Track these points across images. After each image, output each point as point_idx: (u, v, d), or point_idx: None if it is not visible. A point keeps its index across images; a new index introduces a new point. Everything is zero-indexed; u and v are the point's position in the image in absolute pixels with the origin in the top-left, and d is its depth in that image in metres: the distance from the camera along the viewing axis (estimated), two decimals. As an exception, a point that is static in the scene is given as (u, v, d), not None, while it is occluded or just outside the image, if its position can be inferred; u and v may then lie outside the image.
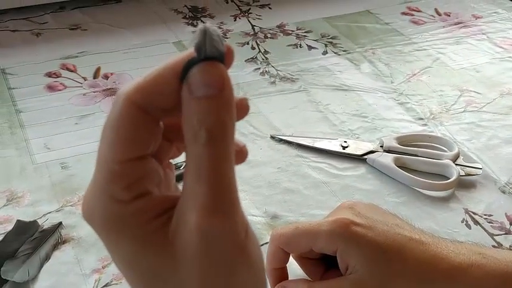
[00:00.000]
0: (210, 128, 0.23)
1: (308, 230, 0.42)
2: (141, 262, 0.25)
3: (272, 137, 0.63)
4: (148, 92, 0.24)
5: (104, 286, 0.46)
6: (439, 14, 0.90)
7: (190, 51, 0.24)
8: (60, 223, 0.51)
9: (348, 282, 0.41)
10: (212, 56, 0.23)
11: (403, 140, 0.62)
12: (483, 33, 0.85)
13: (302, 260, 0.45)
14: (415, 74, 0.76)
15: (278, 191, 0.57)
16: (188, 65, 0.23)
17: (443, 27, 0.86)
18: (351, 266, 0.41)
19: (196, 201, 0.23)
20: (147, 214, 0.24)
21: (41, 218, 0.51)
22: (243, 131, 0.64)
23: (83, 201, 0.25)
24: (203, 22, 0.84)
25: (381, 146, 0.61)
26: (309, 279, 0.45)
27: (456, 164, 0.59)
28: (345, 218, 0.42)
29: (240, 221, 0.24)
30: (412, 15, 0.89)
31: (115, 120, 0.24)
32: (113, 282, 0.47)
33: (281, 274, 0.45)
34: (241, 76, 0.73)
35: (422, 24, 0.87)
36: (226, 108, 0.24)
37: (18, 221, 0.50)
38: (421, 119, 0.68)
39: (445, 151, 0.61)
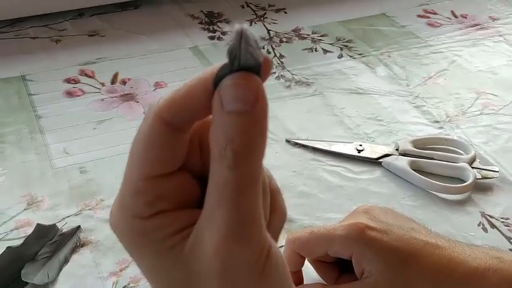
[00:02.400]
0: (237, 149, 0.21)
1: (323, 235, 0.43)
2: (160, 274, 0.25)
3: (287, 141, 0.64)
4: (178, 109, 0.23)
5: (121, 289, 0.47)
6: (456, 16, 0.89)
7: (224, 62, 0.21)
8: (79, 227, 0.52)
9: (363, 286, 0.41)
10: (247, 66, 0.21)
11: (419, 143, 0.62)
12: (500, 35, 0.85)
13: (317, 263, 0.45)
14: (431, 77, 0.75)
15: (293, 195, 0.57)
16: (222, 73, 0.21)
17: (460, 29, 0.86)
18: (367, 271, 0.41)
19: (216, 225, 0.22)
20: (164, 230, 0.24)
21: (60, 221, 0.52)
22: (258, 135, 0.64)
23: (110, 213, 0.26)
24: (219, 28, 0.85)
25: (396, 149, 0.61)
26: (325, 283, 0.45)
27: (472, 167, 0.59)
28: (360, 223, 0.42)
29: (260, 247, 0.23)
30: (428, 17, 0.89)
31: (144, 137, 0.23)
32: (130, 285, 0.47)
33: (297, 278, 0.45)
34: (256, 80, 0.74)
35: (438, 26, 0.87)
36: (258, 128, 0.22)
37: (38, 224, 0.51)
38: (437, 122, 0.67)
39: (461, 154, 0.61)
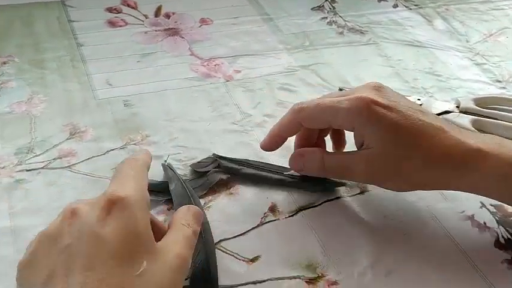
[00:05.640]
0: (196, 229, 0.38)
1: (329, 107, 0.43)
2: None
3: (341, 89, 0.60)
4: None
5: (168, 228, 0.45)
6: (518, -27, 0.84)
7: None
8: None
9: (360, 155, 0.43)
10: None
11: (481, 102, 0.58)
12: None
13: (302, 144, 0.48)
14: (492, 34, 0.71)
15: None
16: None
17: (523, -14, 0.81)
18: (366, 143, 0.42)
19: (178, 246, 0.35)
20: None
21: (104, 154, 0.50)
22: (310, 81, 0.61)
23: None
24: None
25: (457, 107, 0.58)
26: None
27: (539, 131, 0.55)
28: (367, 97, 0.42)
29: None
30: (489, -28, 0.84)
31: None
32: (178, 225, 0.45)
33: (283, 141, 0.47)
34: (307, 24, 0.70)
35: (500, -18, 0.82)
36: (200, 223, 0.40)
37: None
38: (499, 81, 0.63)
39: (526, 117, 0.57)
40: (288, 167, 0.48)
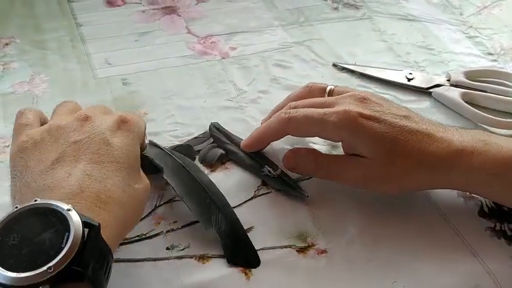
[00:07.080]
0: None
1: (317, 120, 0.44)
2: None
3: (334, 65, 0.61)
4: None
5: (165, 202, 0.47)
6: None
7: None
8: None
9: (354, 160, 0.44)
10: None
11: (472, 75, 0.60)
12: (562, -33, 0.79)
13: None
14: (486, 7, 0.72)
15: (339, 120, 0.56)
16: None
17: (519, -42, 0.81)
18: (356, 153, 0.44)
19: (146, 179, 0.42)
20: None
21: (104, 132, 0.52)
22: (304, 57, 0.62)
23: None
24: None
25: (447, 80, 0.59)
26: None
27: (527, 103, 0.56)
28: (353, 111, 0.43)
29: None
30: None
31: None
32: (176, 199, 0.47)
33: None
34: (302, 0, 0.71)
35: (496, -47, 0.82)
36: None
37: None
38: (491, 54, 0.64)
39: (515, 89, 0.59)
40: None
